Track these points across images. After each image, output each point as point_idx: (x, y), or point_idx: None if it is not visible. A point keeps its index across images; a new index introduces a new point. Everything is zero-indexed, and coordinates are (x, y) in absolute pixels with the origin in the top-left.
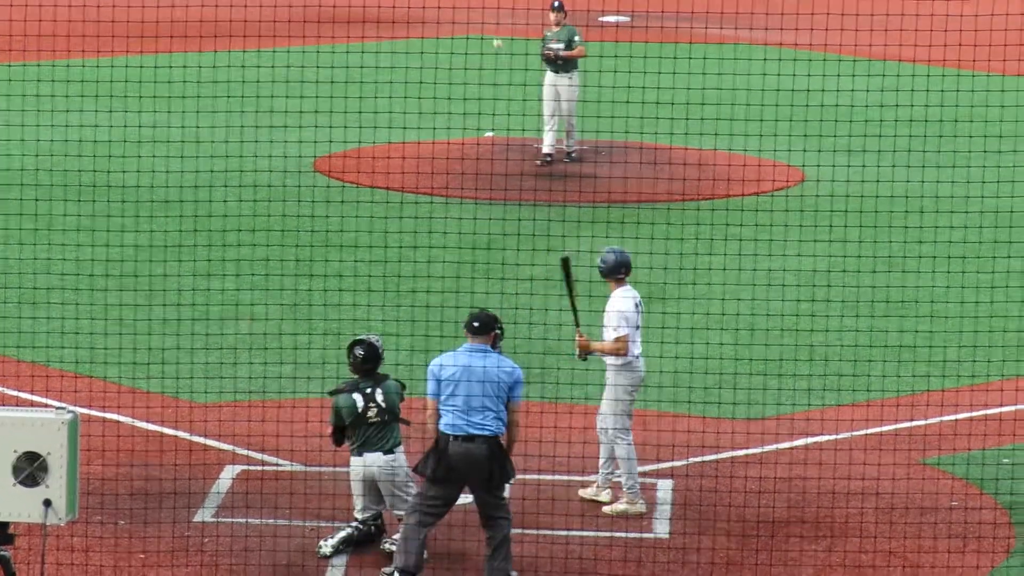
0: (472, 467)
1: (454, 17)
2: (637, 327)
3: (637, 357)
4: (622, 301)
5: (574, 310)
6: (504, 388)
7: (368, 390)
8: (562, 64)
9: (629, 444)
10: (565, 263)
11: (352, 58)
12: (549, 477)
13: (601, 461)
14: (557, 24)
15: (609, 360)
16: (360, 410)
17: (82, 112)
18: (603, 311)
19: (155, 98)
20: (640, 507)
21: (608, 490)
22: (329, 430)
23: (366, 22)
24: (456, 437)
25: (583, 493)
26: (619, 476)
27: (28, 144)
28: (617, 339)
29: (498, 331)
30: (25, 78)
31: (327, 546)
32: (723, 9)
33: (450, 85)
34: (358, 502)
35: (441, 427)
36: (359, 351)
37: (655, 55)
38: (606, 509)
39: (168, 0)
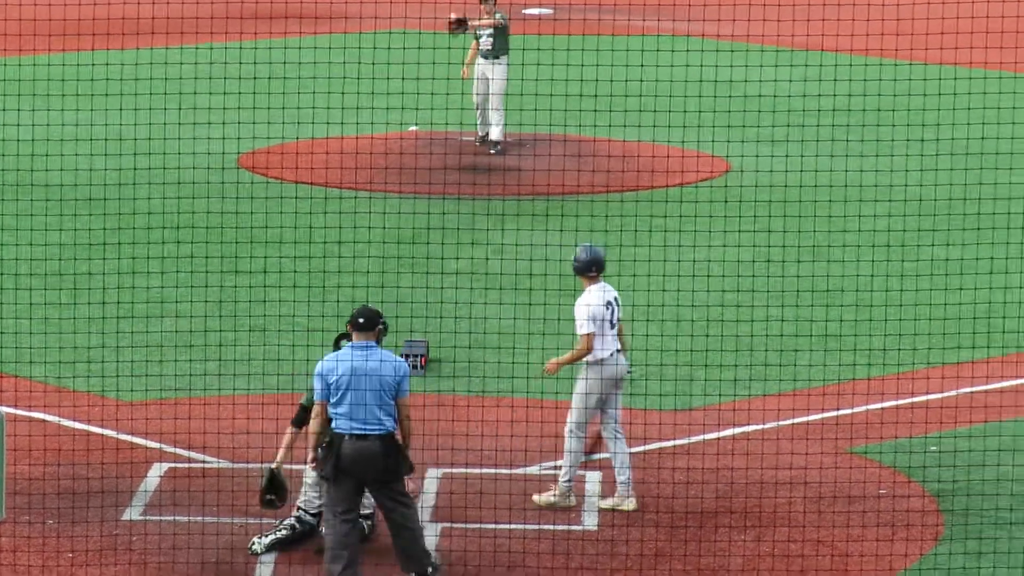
0: (366, 464)
1: (376, 12)
2: (613, 324)
3: (612, 354)
4: (588, 297)
5: None
6: (392, 384)
7: None
8: (490, 51)
9: (580, 440)
10: None
11: (275, 54)
12: (476, 471)
13: (616, 470)
14: (488, 13)
15: (587, 357)
16: None
17: (4, 111)
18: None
19: (77, 96)
20: (571, 501)
21: (631, 498)
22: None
23: (288, 18)
24: (350, 436)
25: (603, 504)
26: (561, 470)
27: None
28: (582, 337)
29: (381, 326)
30: None
31: (260, 544)
32: (645, 1)
33: (373, 80)
34: (308, 492)
35: (334, 428)
36: (345, 343)
37: (578, 47)
38: (609, 505)
39: None
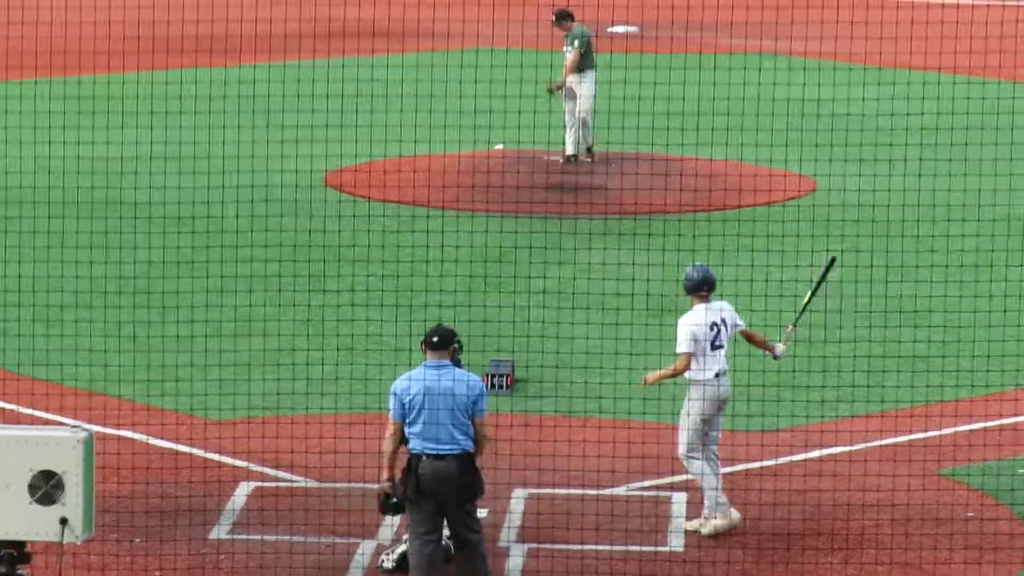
0: (443, 484)
1: (463, 30)
2: (716, 345)
3: (717, 375)
4: (692, 316)
5: (805, 309)
6: (468, 403)
7: None
8: (578, 65)
9: (700, 462)
10: (830, 263)
11: (362, 72)
12: (564, 491)
13: (704, 491)
14: (564, 30)
15: (688, 376)
16: None
17: (93, 129)
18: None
19: (166, 114)
20: (735, 518)
21: (717, 520)
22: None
23: (376, 35)
24: (427, 456)
25: (689, 526)
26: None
27: (39, 161)
28: (679, 356)
29: (456, 345)
30: (36, 95)
31: (389, 560)
32: (732, 19)
33: (460, 98)
34: None
35: (410, 448)
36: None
37: (665, 65)
38: (694, 526)
39: (178, 16)
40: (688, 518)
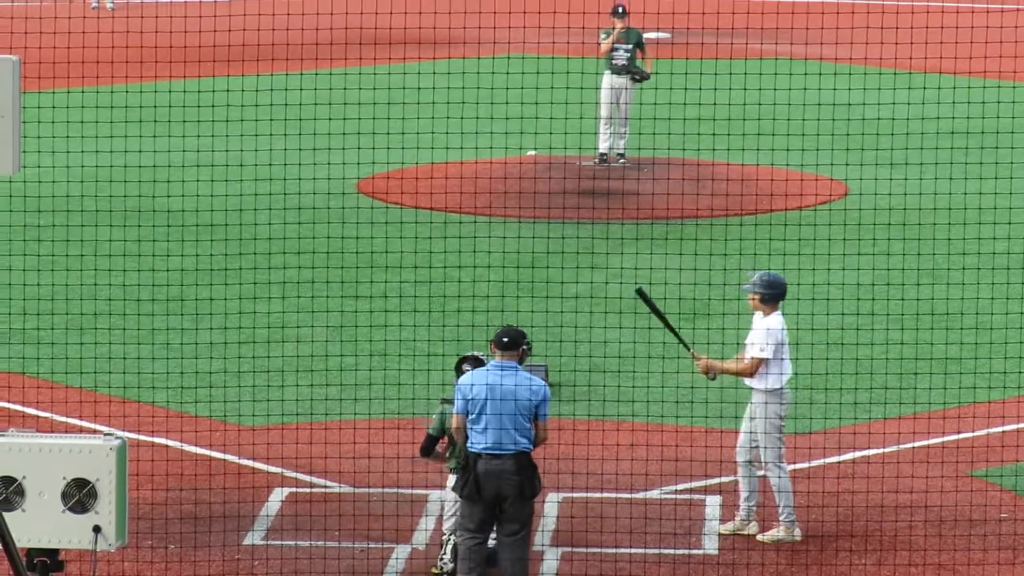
0: (502, 483)
1: (495, 37)
2: (783, 357)
3: (784, 386)
4: (775, 320)
5: (675, 333)
6: (531, 406)
7: None
8: (624, 66)
9: (784, 473)
10: (640, 294)
11: (394, 79)
12: (597, 495)
13: (743, 496)
14: (623, 28)
15: (757, 386)
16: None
17: (126, 137)
18: (748, 331)
19: (199, 122)
20: (797, 534)
21: (754, 522)
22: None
23: (407, 43)
24: (485, 455)
25: (723, 529)
26: (779, 506)
27: (73, 170)
28: (753, 359)
29: (526, 347)
30: (69, 104)
31: (444, 562)
32: (763, 24)
33: (491, 104)
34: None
35: (470, 447)
36: (466, 367)
37: (696, 71)
38: (761, 536)
39: (209, 25)
40: (723, 520)
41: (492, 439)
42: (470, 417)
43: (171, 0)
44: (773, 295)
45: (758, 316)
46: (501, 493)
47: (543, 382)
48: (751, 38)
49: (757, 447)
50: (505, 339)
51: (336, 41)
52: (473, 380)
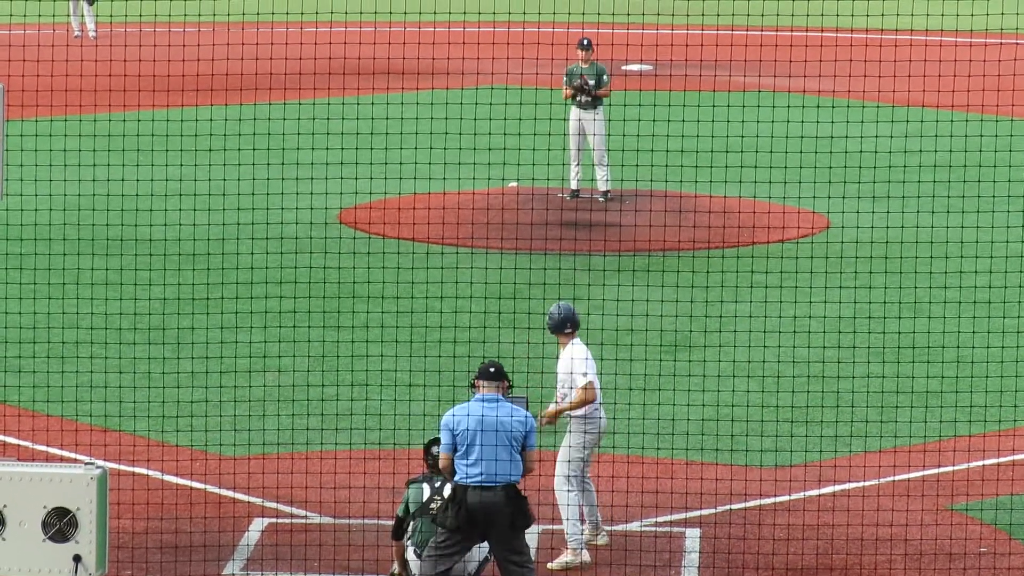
0: (491, 516)
1: (478, 68)
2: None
3: (598, 407)
4: (582, 349)
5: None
6: (520, 437)
7: (437, 483)
8: (589, 101)
9: (574, 501)
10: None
11: (376, 109)
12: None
13: (586, 511)
14: (586, 62)
15: (585, 410)
16: (424, 500)
17: (109, 166)
18: (555, 371)
19: (181, 151)
20: (586, 558)
21: (604, 535)
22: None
23: (390, 73)
24: (474, 487)
25: (552, 565)
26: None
27: (54, 199)
28: (584, 387)
29: (507, 381)
30: (51, 133)
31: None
32: (746, 57)
33: (474, 135)
34: None
35: (458, 479)
36: (435, 450)
37: (678, 103)
38: (550, 565)
39: (192, 54)
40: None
41: (483, 471)
42: (459, 451)
43: (154, 29)
44: (554, 325)
45: (563, 349)
46: (490, 525)
47: (528, 413)
48: (733, 70)
49: (587, 472)
50: (492, 369)
51: (318, 71)
52: (460, 415)
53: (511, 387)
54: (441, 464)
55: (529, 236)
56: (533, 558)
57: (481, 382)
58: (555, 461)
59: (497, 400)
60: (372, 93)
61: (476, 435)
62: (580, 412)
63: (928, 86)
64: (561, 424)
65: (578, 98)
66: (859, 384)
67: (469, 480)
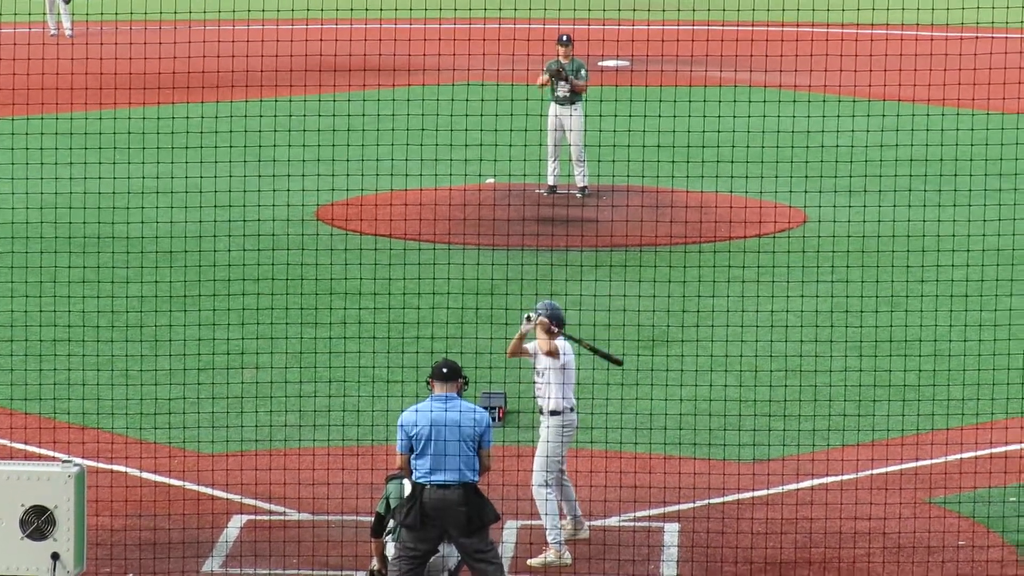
0: (447, 514)
1: (454, 64)
2: (567, 381)
3: (573, 409)
4: (565, 343)
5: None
6: (475, 435)
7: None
8: (567, 96)
9: (552, 496)
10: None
11: (353, 106)
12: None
13: (565, 508)
14: (566, 58)
15: (543, 408)
16: (404, 496)
17: (85, 164)
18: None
19: (157, 149)
20: (566, 558)
21: (585, 529)
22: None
23: (366, 70)
24: (431, 485)
25: (532, 562)
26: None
27: (31, 197)
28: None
29: (462, 380)
30: (28, 131)
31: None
32: (722, 52)
33: (451, 132)
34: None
35: (416, 478)
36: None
37: (655, 99)
38: (531, 561)
39: (168, 52)
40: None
41: (438, 469)
42: (415, 451)
43: (130, 27)
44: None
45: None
46: (447, 524)
47: (484, 411)
48: (710, 65)
49: (564, 470)
50: (445, 370)
51: (295, 68)
52: (416, 415)
53: (467, 384)
54: (398, 463)
55: (506, 232)
56: (511, 553)
57: (435, 382)
58: (532, 456)
59: (453, 399)
60: (349, 90)
61: (431, 433)
62: (564, 406)
63: (904, 80)
64: (536, 421)
65: (556, 92)
66: (836, 378)
67: (424, 479)
